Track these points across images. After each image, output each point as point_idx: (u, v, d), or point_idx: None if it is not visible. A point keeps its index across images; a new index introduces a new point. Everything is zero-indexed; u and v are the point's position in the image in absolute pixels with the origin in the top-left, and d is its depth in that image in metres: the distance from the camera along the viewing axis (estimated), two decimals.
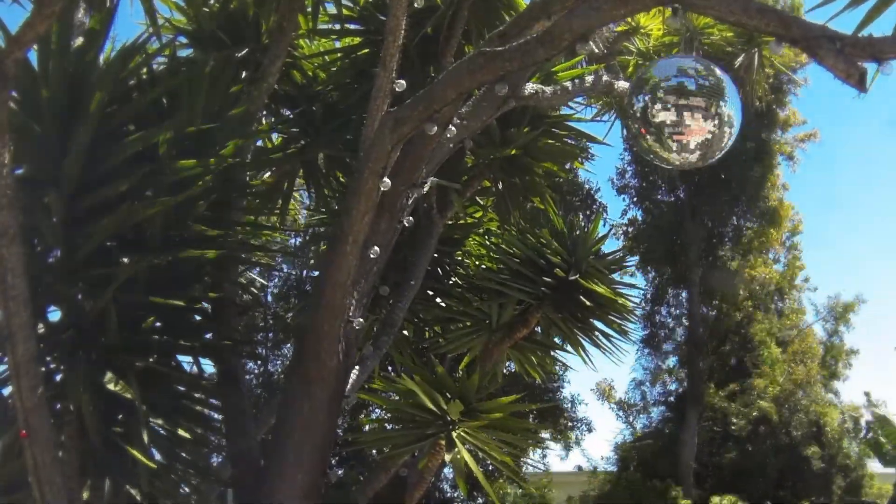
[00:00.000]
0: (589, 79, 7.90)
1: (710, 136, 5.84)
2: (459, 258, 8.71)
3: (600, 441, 55.08)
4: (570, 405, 24.64)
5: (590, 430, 25.21)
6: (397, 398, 6.76)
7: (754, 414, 25.30)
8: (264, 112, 7.29)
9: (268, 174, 8.14)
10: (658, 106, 5.86)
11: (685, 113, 5.82)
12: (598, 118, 9.25)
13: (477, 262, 8.44)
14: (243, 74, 7.29)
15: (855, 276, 53.25)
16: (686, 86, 5.86)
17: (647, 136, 5.93)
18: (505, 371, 9.04)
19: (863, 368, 46.93)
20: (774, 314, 27.65)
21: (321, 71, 8.33)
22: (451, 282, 8.60)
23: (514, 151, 8.04)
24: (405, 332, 8.27)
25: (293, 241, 13.92)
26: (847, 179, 54.47)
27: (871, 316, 55.11)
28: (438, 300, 8.44)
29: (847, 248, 53.15)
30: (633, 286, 8.43)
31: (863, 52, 4.80)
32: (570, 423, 24.54)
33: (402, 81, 6.26)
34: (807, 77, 24.25)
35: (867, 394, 28.80)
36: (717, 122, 5.80)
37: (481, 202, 8.98)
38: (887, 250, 56.99)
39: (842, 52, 4.81)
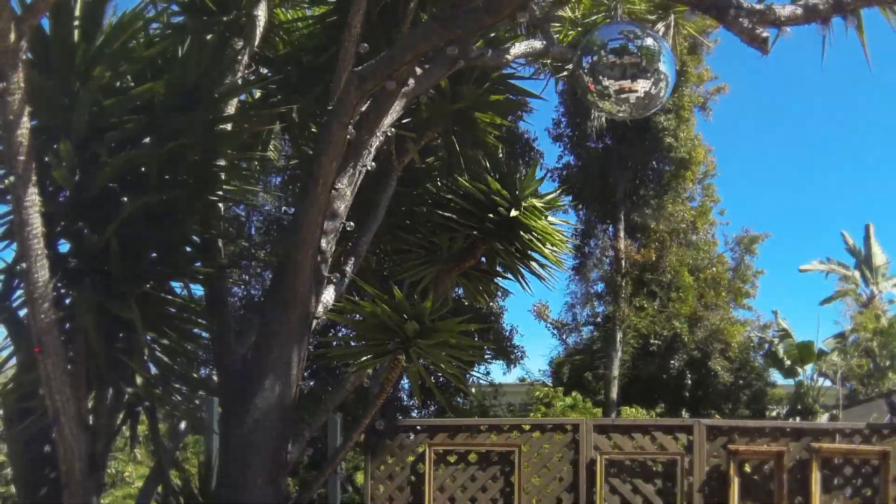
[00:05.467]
0: (528, 43, 7.93)
1: (648, 91, 5.91)
2: (416, 198, 8.73)
3: (538, 357, 55.44)
4: (508, 332, 24.67)
5: (523, 357, 25.29)
6: (361, 319, 6.82)
7: (669, 333, 25.57)
8: (247, 71, 7.27)
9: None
10: (604, 65, 5.92)
11: (628, 71, 5.89)
12: (536, 76, 9.27)
13: (430, 201, 8.46)
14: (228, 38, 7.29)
15: (759, 207, 53.56)
16: (628, 47, 5.91)
17: (595, 92, 5.99)
18: (454, 296, 9.09)
19: (769, 290, 47.40)
20: (688, 246, 27.76)
21: (296, 35, 8.32)
22: (407, 219, 8.64)
23: (462, 105, 8.07)
24: (368, 262, 8.31)
25: (273, 181, 13.93)
26: (752, 125, 54.85)
27: (776, 244, 55.62)
28: (397, 234, 8.50)
29: (752, 183, 53.56)
30: (566, 223, 8.52)
31: (765, 20, 4.89)
32: (508, 348, 24.58)
33: (366, 45, 6.29)
34: (718, 39, 24.23)
35: (775, 312, 29.29)
36: (654, 78, 5.87)
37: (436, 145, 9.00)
38: (789, 184, 57.58)
39: (747, 19, 4.90)
